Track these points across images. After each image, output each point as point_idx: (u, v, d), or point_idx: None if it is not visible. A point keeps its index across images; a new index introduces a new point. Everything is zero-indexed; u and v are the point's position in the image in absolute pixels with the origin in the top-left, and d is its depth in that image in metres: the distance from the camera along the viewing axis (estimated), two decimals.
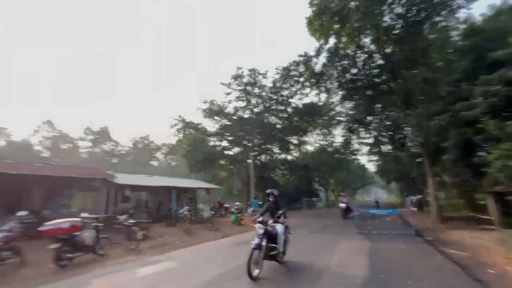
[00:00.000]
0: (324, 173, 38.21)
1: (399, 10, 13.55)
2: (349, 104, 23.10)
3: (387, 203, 36.37)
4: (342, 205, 17.66)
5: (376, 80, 17.68)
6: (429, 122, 12.91)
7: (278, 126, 29.27)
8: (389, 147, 26.17)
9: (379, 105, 20.78)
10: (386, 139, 25.92)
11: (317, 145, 35.75)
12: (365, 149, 30.77)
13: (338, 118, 26.45)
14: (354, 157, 38.78)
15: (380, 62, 16.38)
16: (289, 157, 33.41)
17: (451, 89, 12.17)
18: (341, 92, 20.11)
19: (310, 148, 36.05)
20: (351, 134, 26.39)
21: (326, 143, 34.84)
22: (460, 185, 14.96)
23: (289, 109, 28.77)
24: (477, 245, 7.41)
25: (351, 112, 23.91)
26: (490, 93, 9.96)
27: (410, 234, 9.73)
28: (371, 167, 40.78)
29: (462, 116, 10.95)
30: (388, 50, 15.13)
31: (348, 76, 18.17)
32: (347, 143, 29.03)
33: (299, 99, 28.21)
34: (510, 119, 9.10)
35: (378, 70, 17.24)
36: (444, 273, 5.14)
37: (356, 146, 30.37)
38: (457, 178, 14.53)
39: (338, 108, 24.68)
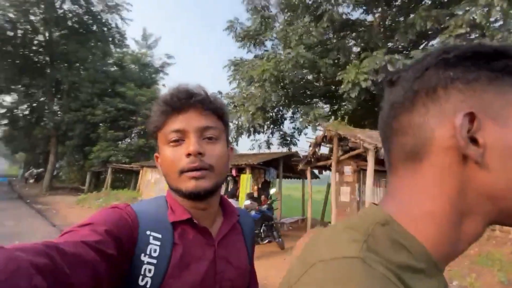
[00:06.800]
0: None
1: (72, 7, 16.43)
2: None
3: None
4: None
5: (33, 56, 17.94)
6: (65, 113, 16.99)
7: None
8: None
9: (26, 80, 19.29)
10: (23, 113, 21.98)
11: None
12: None
13: None
14: None
15: (43, 41, 17.24)
16: None
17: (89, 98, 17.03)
18: None
19: None
20: None
21: None
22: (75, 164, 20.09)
23: None
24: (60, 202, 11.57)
25: None
26: (107, 111, 16.08)
27: (14, 198, 12.41)
28: None
29: (87, 118, 16.17)
30: (54, 36, 16.99)
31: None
32: None
33: None
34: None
35: (37, 48, 17.70)
36: (27, 215, 8.29)
37: None
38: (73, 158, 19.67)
39: None
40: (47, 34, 16.91)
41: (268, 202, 6.22)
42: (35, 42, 17.33)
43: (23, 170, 28.26)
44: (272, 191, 7.06)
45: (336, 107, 11.94)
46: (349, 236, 0.31)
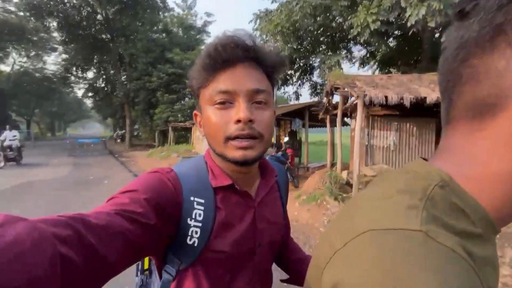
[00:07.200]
0: (27, 102, 33.18)
1: None
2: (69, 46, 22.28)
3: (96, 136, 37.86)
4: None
5: (97, 35, 20.74)
6: (130, 82, 20.20)
7: None
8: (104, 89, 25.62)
9: (98, 57, 22.83)
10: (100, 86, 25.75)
11: (18, 67, 29.98)
12: (83, 85, 27.32)
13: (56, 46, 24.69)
14: (70, 89, 34.54)
15: (102, 20, 19.79)
16: None
17: (145, 68, 19.30)
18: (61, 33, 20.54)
19: (5, 68, 29.95)
20: (68, 75, 25.18)
21: (32, 66, 30.12)
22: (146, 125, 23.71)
23: None
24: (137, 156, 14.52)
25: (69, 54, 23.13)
26: (160, 77, 18.11)
27: (106, 153, 16.17)
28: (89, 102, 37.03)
29: (147, 85, 18.66)
30: (110, 14, 19.20)
31: (70, 21, 19.10)
32: (64, 77, 26.04)
33: None
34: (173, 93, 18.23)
35: (99, 27, 20.31)
36: (115, 165, 11.25)
37: (73, 78, 26.61)
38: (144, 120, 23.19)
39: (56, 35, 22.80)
40: (104, 13, 19.31)
41: (282, 149, 7.21)
42: (97, 22, 20.09)
43: (112, 132, 35.03)
44: (286, 139, 7.98)
45: (373, 49, 11.16)
46: (403, 201, 0.27)
